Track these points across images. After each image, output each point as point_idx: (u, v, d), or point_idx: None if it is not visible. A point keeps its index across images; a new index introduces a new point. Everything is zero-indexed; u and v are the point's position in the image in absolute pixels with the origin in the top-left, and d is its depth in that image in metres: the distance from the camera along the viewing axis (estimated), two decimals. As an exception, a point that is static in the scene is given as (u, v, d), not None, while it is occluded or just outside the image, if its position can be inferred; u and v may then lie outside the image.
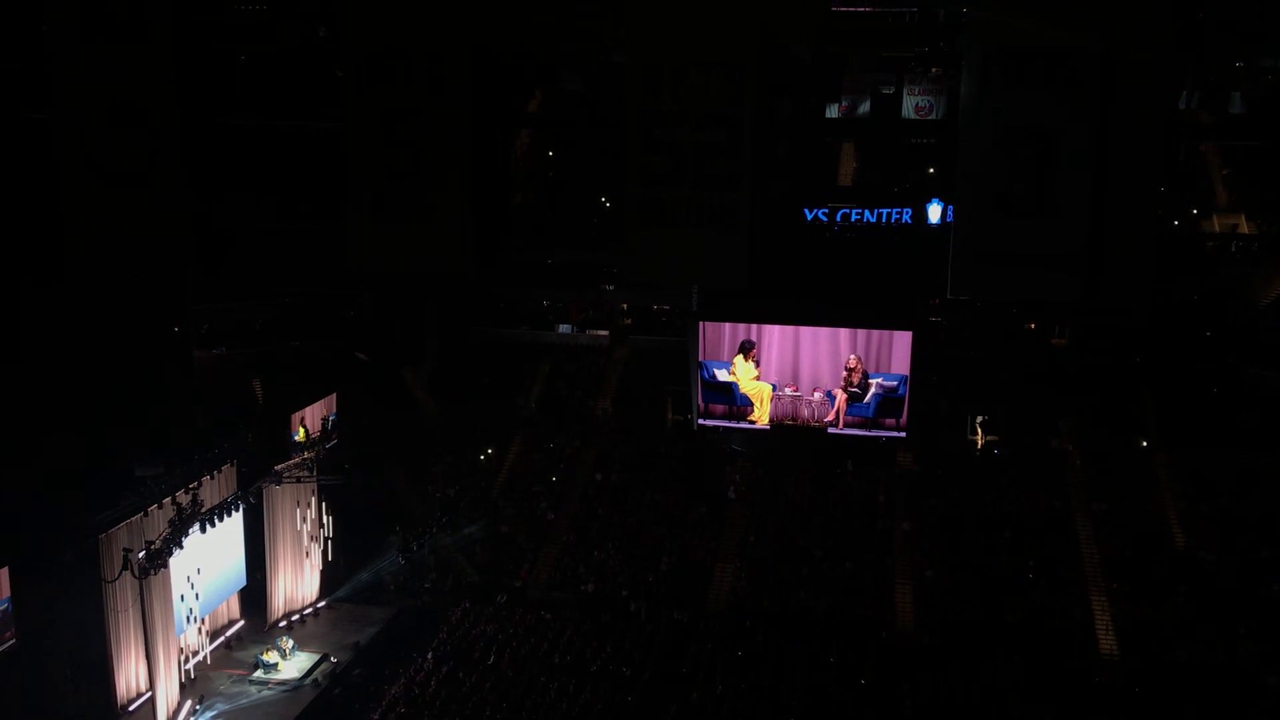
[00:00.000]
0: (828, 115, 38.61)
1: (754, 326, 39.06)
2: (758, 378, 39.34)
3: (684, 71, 19.84)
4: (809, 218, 37.60)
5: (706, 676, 32.54)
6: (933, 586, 36.74)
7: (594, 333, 47.68)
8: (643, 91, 20.13)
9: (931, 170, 41.72)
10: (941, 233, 33.12)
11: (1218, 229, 39.95)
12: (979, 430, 42.00)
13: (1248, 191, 40.13)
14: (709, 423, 40.66)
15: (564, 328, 47.77)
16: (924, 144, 41.77)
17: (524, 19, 24.41)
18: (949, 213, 30.28)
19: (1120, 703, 31.30)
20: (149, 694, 30.39)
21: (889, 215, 37.48)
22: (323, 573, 38.76)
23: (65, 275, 27.22)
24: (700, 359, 39.47)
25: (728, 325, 39.43)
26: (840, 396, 39.06)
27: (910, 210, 37.25)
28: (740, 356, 39.25)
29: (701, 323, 39.60)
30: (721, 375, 39.54)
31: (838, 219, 37.59)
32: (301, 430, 36.90)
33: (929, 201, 37.00)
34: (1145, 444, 40.94)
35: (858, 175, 44.32)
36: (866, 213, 37.88)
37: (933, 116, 37.47)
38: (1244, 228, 39.79)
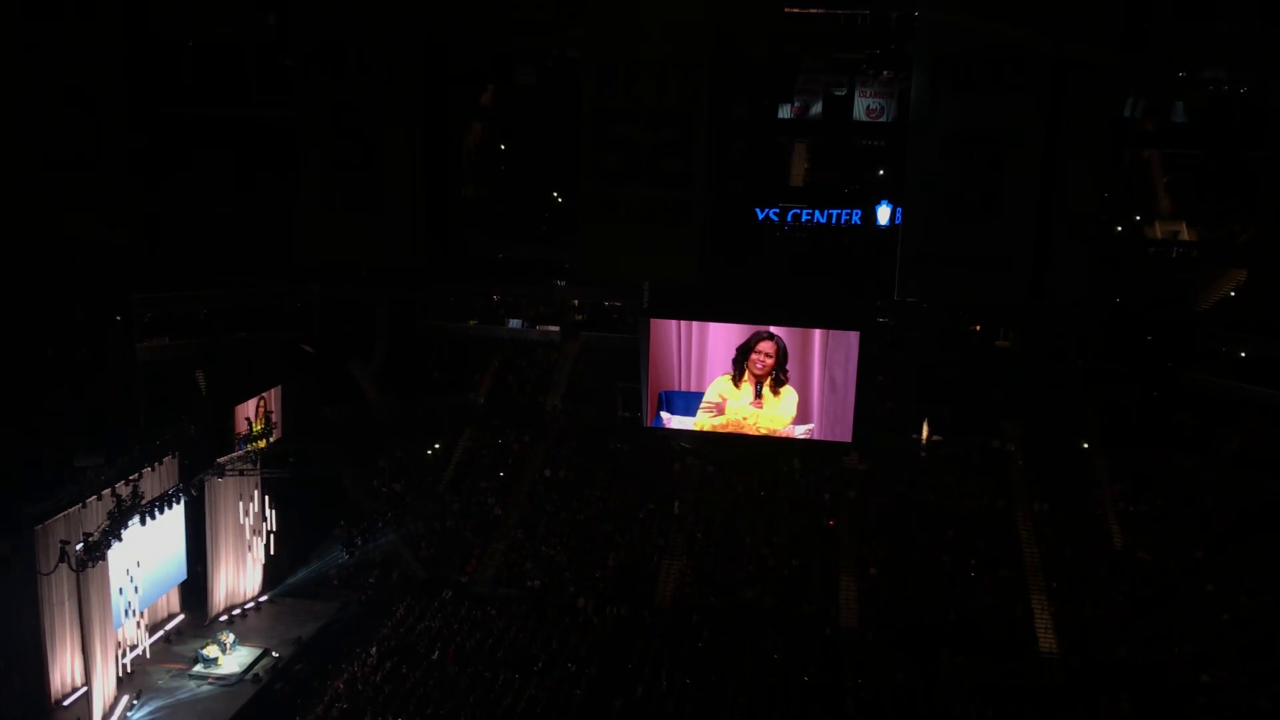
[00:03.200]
0: (780, 116, 38.86)
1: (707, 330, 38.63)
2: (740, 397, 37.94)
3: (639, 69, 19.89)
4: (760, 217, 37.78)
5: (653, 672, 32.61)
6: (877, 584, 37.10)
7: (545, 328, 47.50)
8: (598, 88, 20.16)
9: (881, 172, 42.05)
10: (890, 234, 33.43)
11: (1160, 235, 40.68)
12: (925, 430, 42.42)
13: (1189, 199, 40.90)
14: (659, 424, 40.70)
15: (514, 323, 47.52)
16: (875, 146, 42.11)
17: (477, 12, 24.32)
18: (898, 215, 30.59)
19: (1059, 701, 31.80)
20: (85, 688, 29.88)
21: (839, 216, 37.75)
22: (265, 567, 38.31)
23: (4, 261, 26.72)
24: (661, 390, 38.45)
25: (676, 323, 39.42)
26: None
27: (860, 212, 37.54)
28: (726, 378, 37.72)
29: (651, 320, 39.60)
30: (680, 422, 38.30)
31: (789, 219, 37.80)
32: (245, 423, 36.44)
33: (878, 203, 37.31)
34: (1086, 445, 41.61)
35: (809, 176, 44.53)
36: (817, 213, 38.11)
37: (884, 119, 37.83)
38: (1185, 234, 40.55)
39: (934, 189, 20.24)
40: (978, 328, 44.61)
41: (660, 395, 37.56)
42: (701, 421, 37.52)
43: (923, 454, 42.62)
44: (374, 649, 33.64)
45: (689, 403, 37.85)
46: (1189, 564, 36.76)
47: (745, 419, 37.34)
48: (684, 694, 31.45)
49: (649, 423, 39.04)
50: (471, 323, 47.65)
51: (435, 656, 33.28)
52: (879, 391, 41.71)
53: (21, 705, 28.88)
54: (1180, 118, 36.27)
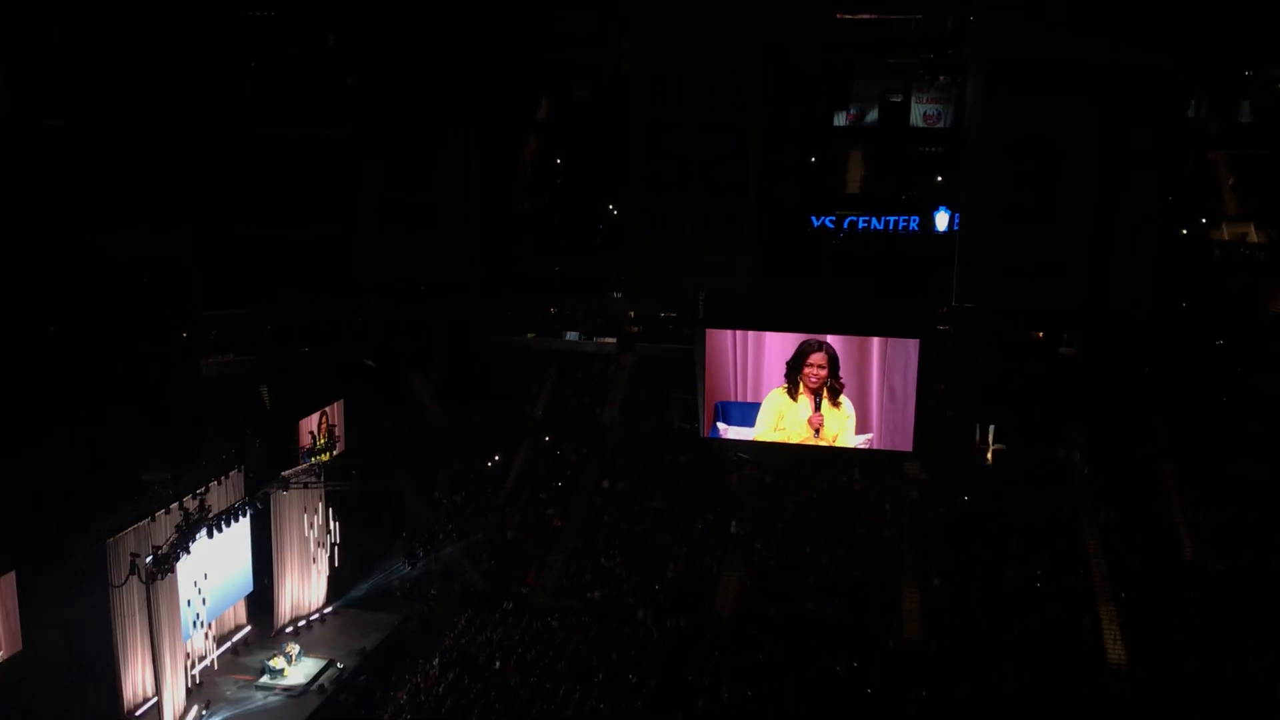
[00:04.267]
0: (835, 123, 38.68)
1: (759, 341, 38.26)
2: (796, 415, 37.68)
3: (690, 81, 19.94)
4: (815, 225, 37.63)
5: (713, 684, 32.47)
6: (940, 595, 36.63)
7: (601, 340, 47.66)
8: (649, 100, 20.26)
9: (940, 178, 41.67)
10: (949, 240, 33.08)
11: (1226, 238, 39.81)
12: (989, 439, 41.85)
13: (1257, 200, 39.98)
14: (716, 435, 40.61)
15: (571, 335, 47.75)
16: (932, 152, 41.73)
17: (530, 28, 24.54)
18: (955, 220, 30.29)
19: (1128, 714, 31.14)
20: (155, 699, 30.44)
21: (896, 223, 37.48)
22: (329, 578, 38.80)
23: (74, 281, 27.42)
24: (717, 401, 38.30)
25: (731, 333, 39.31)
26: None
27: (917, 218, 37.26)
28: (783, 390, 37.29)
29: (707, 330, 39.54)
30: (736, 433, 38.08)
31: (844, 226, 37.60)
32: (309, 437, 36.97)
33: (936, 209, 36.98)
34: (1153, 453, 40.76)
35: (866, 183, 44.25)
36: (874, 220, 37.89)
37: (941, 125, 37.48)
38: (1253, 236, 39.64)
39: (991, 194, 20.00)
40: (1040, 335, 43.98)
41: (716, 406, 37.43)
42: (764, 434, 37.27)
43: (986, 463, 42.05)
44: (436, 660, 33.90)
45: (746, 413, 37.64)
46: (1262, 574, 35.83)
47: (805, 439, 36.99)
48: (745, 706, 31.26)
49: (705, 433, 38.98)
50: (529, 335, 47.97)
51: (496, 667, 33.45)
52: (940, 400, 41.23)
53: (96, 714, 29.48)
54: (1246, 117, 35.50)
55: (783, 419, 36.69)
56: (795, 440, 36.80)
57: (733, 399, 37.23)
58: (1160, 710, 31.10)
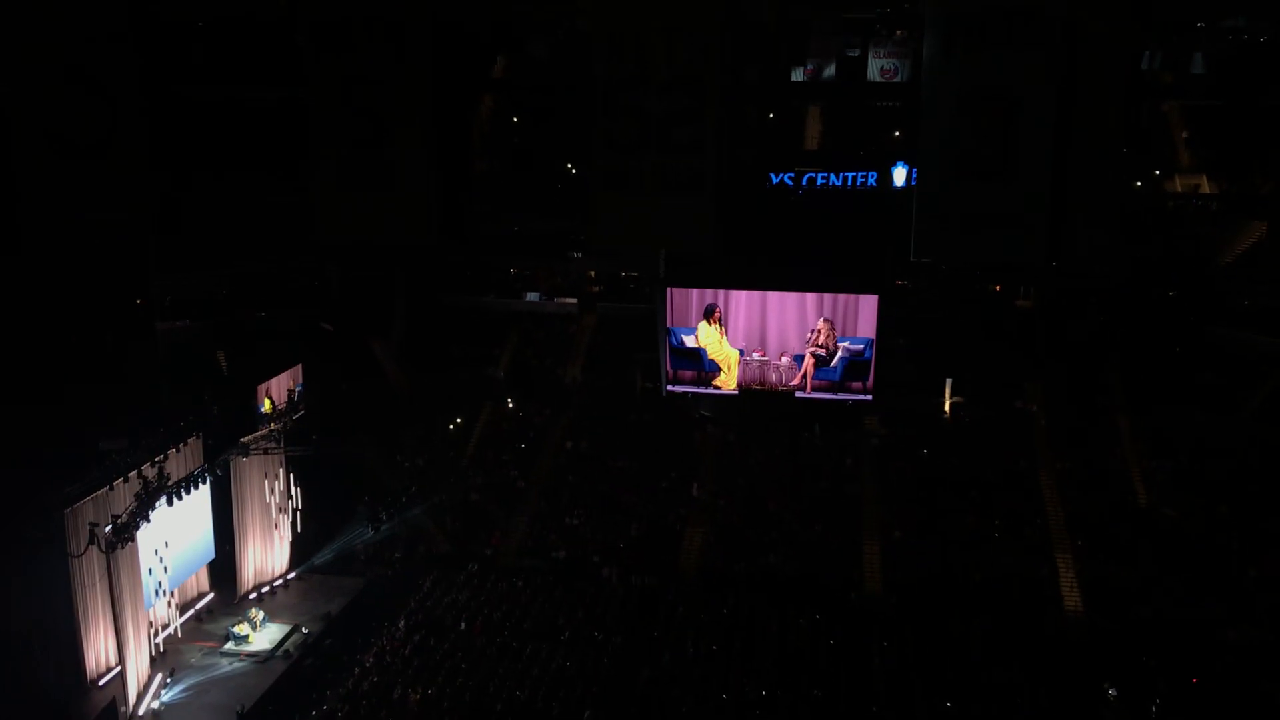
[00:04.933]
0: (793, 79, 38.61)
1: (720, 292, 39.18)
2: (723, 342, 39.45)
3: (649, 37, 19.75)
4: (774, 182, 37.63)
5: (678, 640, 32.81)
6: (900, 548, 37.13)
7: (562, 300, 47.56)
8: (608, 57, 20.04)
9: (897, 133, 41.76)
10: (907, 196, 33.25)
11: (1180, 190, 40.26)
12: (946, 392, 42.32)
13: (1209, 152, 40.44)
14: (678, 389, 40.79)
15: (532, 296, 47.61)
16: (890, 107, 41.81)
17: (486, -16, 24.21)
18: (914, 176, 30.41)
19: (1085, 659, 31.83)
20: (119, 668, 30.26)
21: (855, 179, 37.57)
22: (292, 544, 38.67)
23: (24, 247, 26.80)
24: (669, 325, 39.52)
25: (695, 291, 39.48)
26: (808, 360, 39.26)
27: (876, 174, 37.36)
28: (704, 321, 39.31)
29: (669, 289, 39.62)
30: (690, 341, 39.63)
31: (804, 183, 37.63)
32: (268, 402, 36.69)
33: (894, 165, 37.08)
34: (1109, 404, 41.42)
35: (823, 139, 44.29)
36: (832, 176, 37.95)
37: (898, 79, 37.54)
38: (1205, 188, 40.13)
39: (948, 148, 20.04)
40: (998, 288, 44.42)
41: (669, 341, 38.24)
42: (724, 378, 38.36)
43: (945, 416, 42.56)
44: (402, 622, 33.97)
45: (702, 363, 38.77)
46: (1214, 521, 36.63)
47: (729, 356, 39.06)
48: (710, 661, 31.64)
49: (667, 384, 39.30)
50: (489, 297, 47.76)
51: (463, 628, 33.58)
52: (899, 355, 41.61)
53: (58, 685, 29.28)
54: (1199, 69, 35.83)
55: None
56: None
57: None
58: (1116, 655, 31.79)
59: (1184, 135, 40.89)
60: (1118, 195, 20.20)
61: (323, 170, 21.83)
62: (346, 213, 22.04)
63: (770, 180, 38.01)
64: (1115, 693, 28.99)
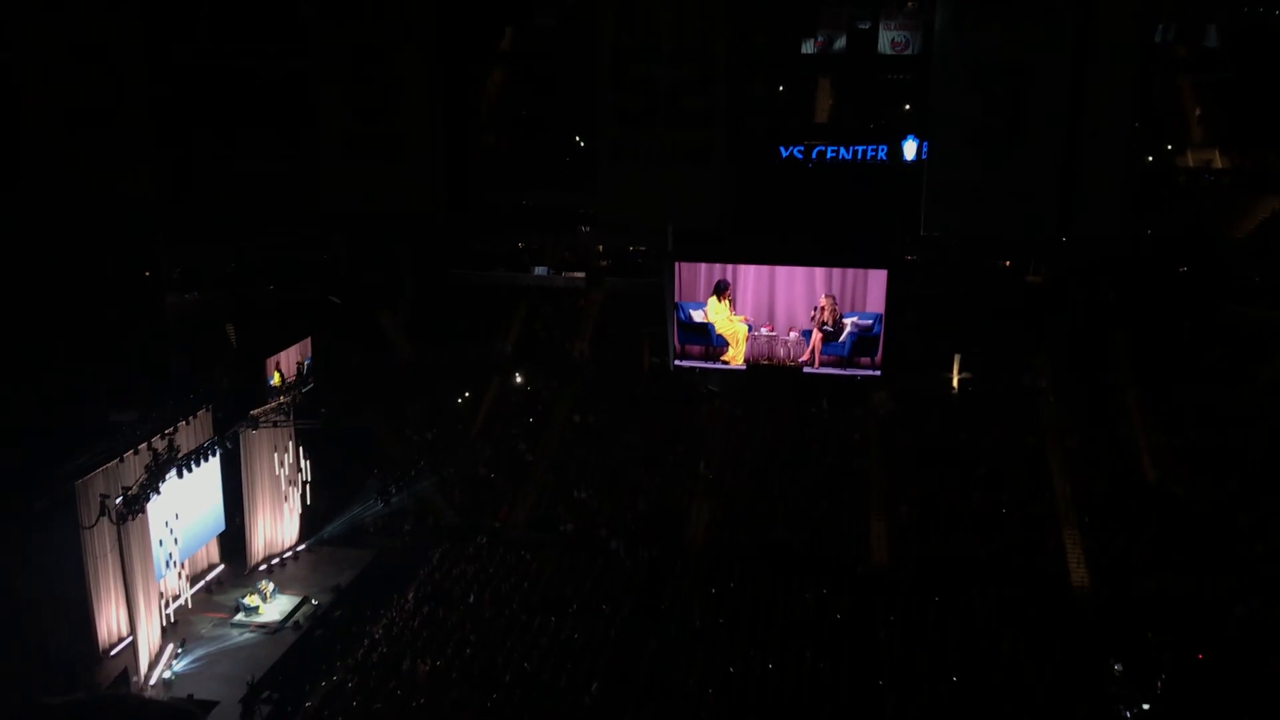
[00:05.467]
0: (803, 51, 38.34)
1: (729, 267, 39.13)
2: (732, 318, 39.38)
3: (657, 7, 19.59)
4: (784, 155, 37.46)
5: (685, 612, 32.92)
6: (907, 523, 37.15)
7: (570, 275, 47.48)
8: (616, 28, 19.87)
9: (908, 106, 41.46)
10: (917, 170, 33.09)
11: (1191, 164, 39.93)
12: (955, 367, 42.20)
13: (1222, 126, 40.08)
14: (685, 364, 40.80)
15: (540, 270, 47.56)
16: (900, 80, 41.50)
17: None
18: (924, 149, 30.18)
19: (1091, 634, 31.84)
20: (130, 638, 30.52)
21: (865, 152, 37.38)
22: (302, 516, 38.84)
23: (31, 219, 26.88)
24: (677, 300, 39.46)
25: (703, 266, 39.41)
26: (815, 336, 39.20)
27: (886, 147, 37.17)
28: (714, 297, 39.25)
29: (677, 263, 39.55)
30: (698, 316, 39.60)
31: (813, 156, 37.45)
32: (277, 375, 36.76)
33: (905, 138, 36.87)
34: (1118, 380, 41.26)
35: (834, 112, 44.02)
36: (842, 150, 37.77)
37: (909, 52, 37.24)
38: (1218, 162, 39.80)
39: (959, 122, 19.87)
40: (1007, 264, 44.24)
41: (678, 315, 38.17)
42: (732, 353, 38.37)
43: (953, 392, 42.47)
44: (410, 594, 34.14)
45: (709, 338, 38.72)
46: (1222, 497, 36.54)
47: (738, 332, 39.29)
48: (716, 634, 31.75)
49: (675, 359, 39.27)
50: (497, 271, 47.71)
51: (471, 601, 33.73)
52: (908, 330, 41.50)
53: (71, 654, 29.54)
54: (1213, 42, 35.49)
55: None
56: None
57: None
58: (1122, 630, 31.80)
59: (1197, 109, 40.54)
60: (1130, 170, 20.02)
61: (328, 141, 21.74)
62: (352, 185, 21.95)
63: (780, 153, 37.82)
64: (1120, 668, 28.99)
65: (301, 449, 38.29)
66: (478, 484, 40.82)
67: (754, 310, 39.40)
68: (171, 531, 32.74)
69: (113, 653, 30.61)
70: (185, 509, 33.42)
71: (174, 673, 30.78)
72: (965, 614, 32.58)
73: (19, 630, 27.99)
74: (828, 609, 33.15)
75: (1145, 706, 27.65)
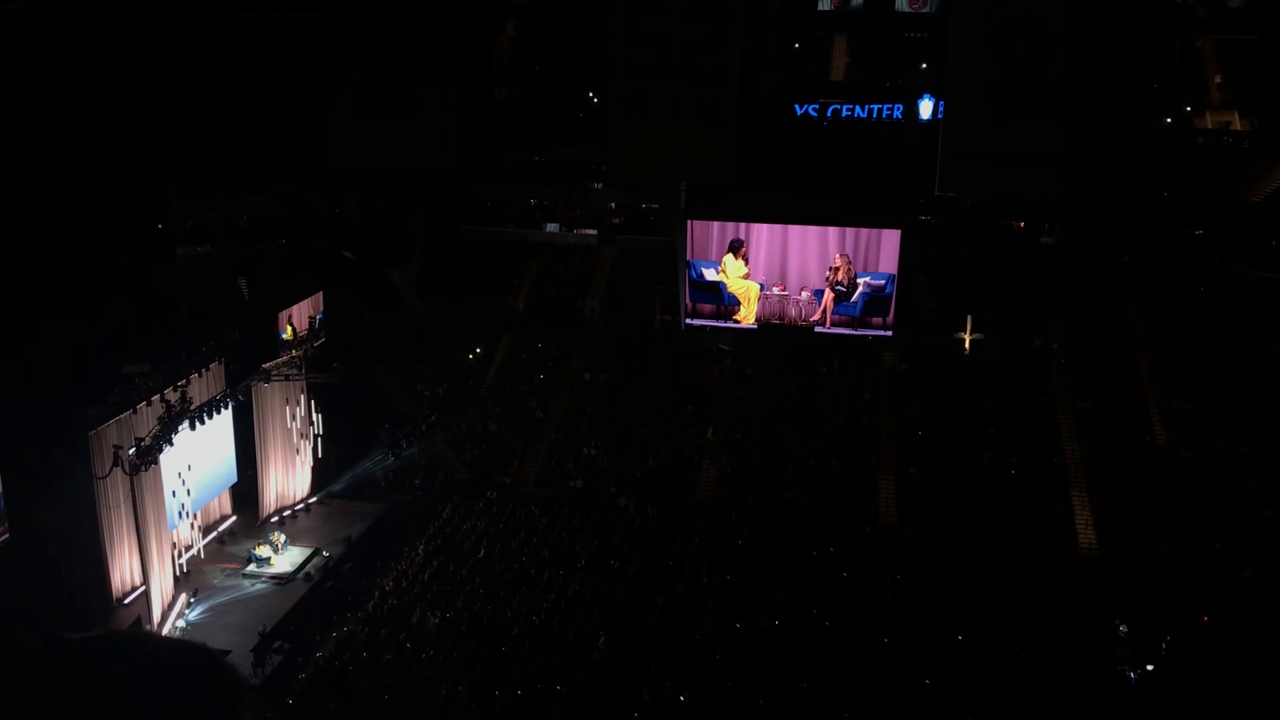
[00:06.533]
0: (820, 8, 37.87)
1: (742, 225, 38.96)
2: (746, 276, 39.27)
3: (671, -40, 19.34)
4: (799, 113, 37.15)
5: (693, 569, 33.15)
6: (916, 483, 37.22)
7: (582, 232, 47.36)
8: (629, -19, 19.64)
9: (925, 65, 41.02)
10: (933, 129, 32.79)
11: (1210, 126, 39.51)
12: (967, 328, 42.09)
13: (1242, 88, 39.60)
14: (696, 322, 40.76)
15: (551, 227, 47.42)
16: (917, 38, 41.01)
17: (507, -95, 23.74)
18: (940, 109, 29.90)
19: (1098, 596, 31.97)
20: (144, 587, 30.87)
21: (880, 111, 37.03)
22: (314, 469, 39.10)
23: (43, 172, 26.83)
24: (689, 258, 39.35)
25: (716, 224, 39.25)
26: (827, 295, 39.09)
27: (901, 106, 36.83)
28: (730, 255, 39.12)
29: (690, 221, 39.41)
30: (710, 274, 39.49)
31: (828, 114, 37.13)
32: (289, 328, 36.85)
33: (921, 97, 36.50)
34: (1130, 342, 41.12)
35: (850, 70, 43.60)
36: (858, 108, 37.43)
37: (927, 10, 36.74)
38: (1237, 125, 39.37)
39: (976, 81, 19.63)
40: (1021, 225, 43.94)
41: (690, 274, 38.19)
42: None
43: (965, 353, 42.38)
44: (421, 548, 34.43)
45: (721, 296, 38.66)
46: (1232, 461, 36.52)
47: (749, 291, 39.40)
48: (724, 590, 31.98)
49: (686, 318, 39.22)
50: (508, 227, 47.58)
51: (481, 555, 34.00)
52: (920, 291, 41.35)
53: (85, 602, 29.91)
54: (1235, 3, 34.95)
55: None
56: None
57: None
58: (1130, 592, 31.91)
59: (1217, 71, 40.04)
60: (1147, 131, 19.82)
61: (340, 94, 21.60)
62: (363, 139, 21.84)
63: (795, 111, 37.50)
64: (1126, 629, 29.14)
65: (314, 402, 38.48)
66: (488, 440, 41.00)
67: (766, 269, 39.31)
68: (184, 483, 33.02)
69: (126, 601, 30.96)
70: (198, 461, 33.67)
71: (187, 622, 31.18)
72: (972, 574, 32.72)
73: (35, 578, 28.32)
74: (835, 567, 33.33)
75: (1149, 668, 27.80)
